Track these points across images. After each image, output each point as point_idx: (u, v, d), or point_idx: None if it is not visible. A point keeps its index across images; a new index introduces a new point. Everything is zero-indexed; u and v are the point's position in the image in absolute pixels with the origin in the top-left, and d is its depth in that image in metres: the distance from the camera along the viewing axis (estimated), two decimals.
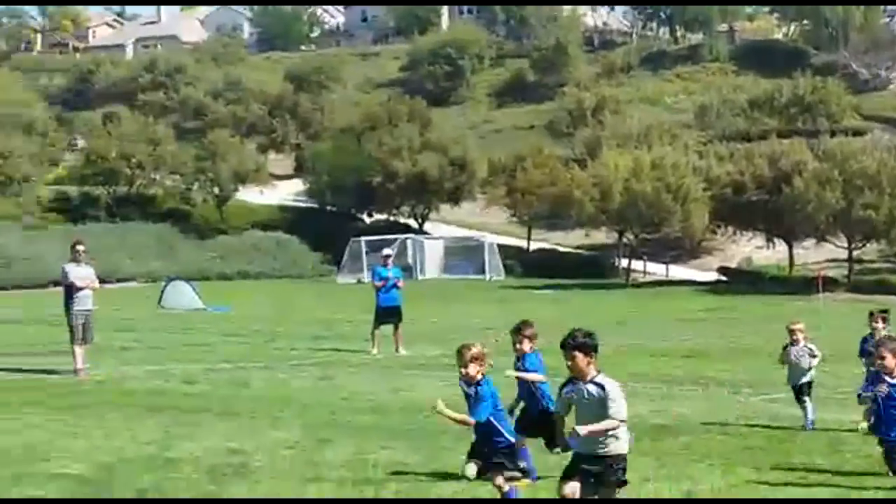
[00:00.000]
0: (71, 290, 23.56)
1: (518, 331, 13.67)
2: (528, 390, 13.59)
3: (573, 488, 9.92)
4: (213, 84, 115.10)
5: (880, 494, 12.52)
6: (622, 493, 10.09)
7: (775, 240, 75.80)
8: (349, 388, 21.76)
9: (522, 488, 11.76)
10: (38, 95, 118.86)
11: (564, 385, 10.28)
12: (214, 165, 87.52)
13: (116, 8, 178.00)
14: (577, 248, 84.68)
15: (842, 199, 67.67)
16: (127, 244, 76.09)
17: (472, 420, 11.31)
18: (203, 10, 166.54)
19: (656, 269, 78.87)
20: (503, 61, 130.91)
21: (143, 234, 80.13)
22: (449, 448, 14.46)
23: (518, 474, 11.70)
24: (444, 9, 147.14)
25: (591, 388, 9.99)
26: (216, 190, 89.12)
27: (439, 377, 22.25)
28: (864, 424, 13.34)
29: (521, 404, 13.70)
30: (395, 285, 28.78)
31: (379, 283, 28.82)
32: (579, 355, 10.02)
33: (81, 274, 23.65)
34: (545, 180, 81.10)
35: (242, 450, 14.60)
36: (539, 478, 12.57)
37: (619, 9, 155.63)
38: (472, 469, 11.44)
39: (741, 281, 69.82)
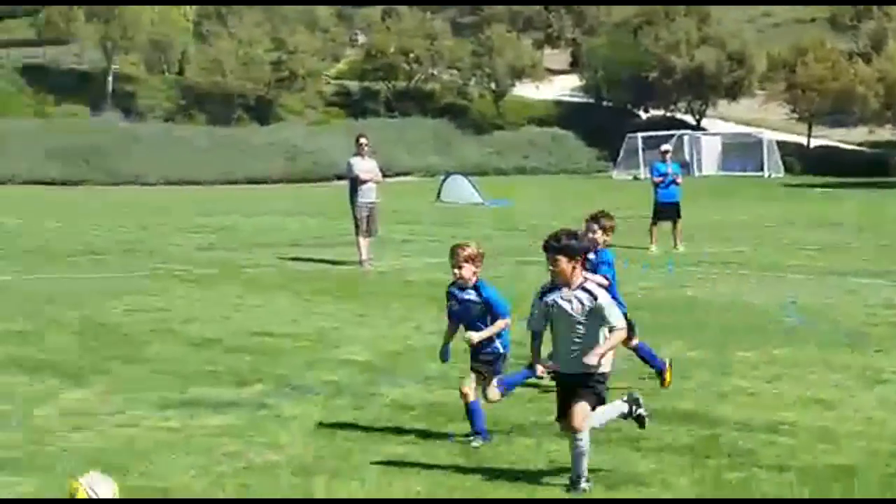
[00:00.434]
0: (355, 184, 24.17)
1: (594, 219, 12.81)
2: None
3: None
4: None
5: None
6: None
7: None
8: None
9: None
10: None
11: (543, 293, 9.22)
12: (491, 61, 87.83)
13: None
14: (860, 145, 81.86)
15: None
16: (405, 139, 77.38)
17: (504, 321, 10.32)
18: None
19: None
20: None
21: (421, 129, 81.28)
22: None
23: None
24: None
25: (581, 295, 9.00)
26: (493, 85, 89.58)
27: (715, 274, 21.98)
28: None
29: None
30: (673, 181, 28.45)
31: (658, 179, 28.56)
32: (563, 259, 9.03)
33: (365, 167, 24.21)
34: (827, 75, 78.40)
35: (522, 342, 14.78)
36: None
37: None
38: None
39: None
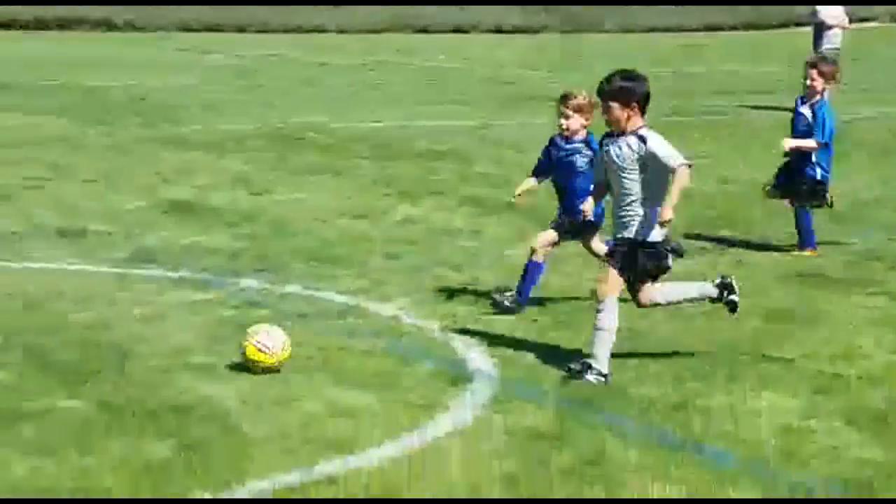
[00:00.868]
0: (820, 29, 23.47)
1: (813, 65, 11.78)
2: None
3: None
4: None
5: None
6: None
7: None
8: None
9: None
10: None
11: (602, 141, 8.50)
12: None
13: None
14: None
15: None
16: None
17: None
18: None
19: None
20: None
21: None
22: None
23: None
24: None
25: (631, 140, 8.12)
26: None
27: None
28: None
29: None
30: None
31: None
32: (615, 105, 8.15)
33: (832, 13, 23.45)
34: None
35: None
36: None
37: None
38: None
39: None
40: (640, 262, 8.23)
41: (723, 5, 58.60)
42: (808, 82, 11.84)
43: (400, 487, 6.35)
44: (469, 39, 45.95)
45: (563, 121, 9.84)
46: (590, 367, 8.08)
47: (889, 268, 11.60)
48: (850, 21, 25.18)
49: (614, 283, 8.25)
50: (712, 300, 8.74)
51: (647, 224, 8.17)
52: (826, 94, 12.01)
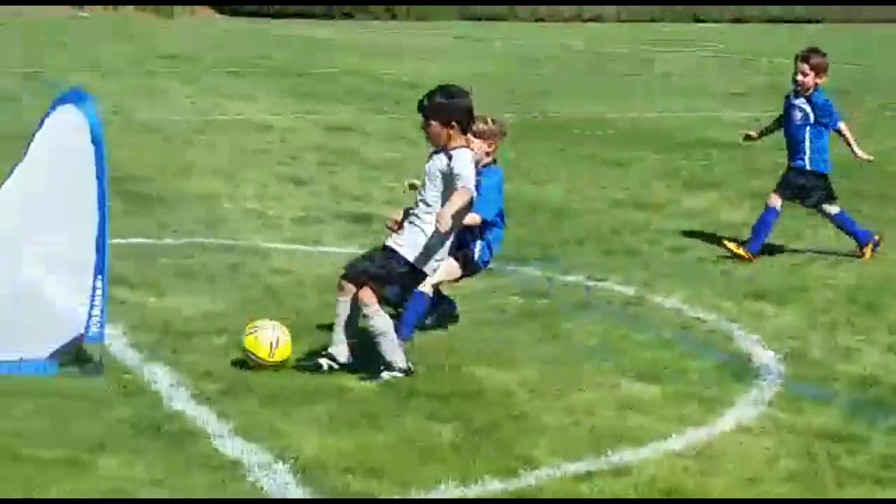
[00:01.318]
0: None
1: (804, 59, 11.11)
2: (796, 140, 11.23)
3: None
4: None
5: None
6: None
7: None
8: None
9: None
10: None
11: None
12: None
13: None
14: None
15: None
16: None
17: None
18: None
19: None
20: None
21: None
22: None
23: None
24: None
25: (442, 158, 7.73)
26: None
27: None
28: None
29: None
30: None
31: None
32: (434, 124, 7.73)
33: None
34: None
35: None
36: None
37: None
38: None
39: None
40: (380, 264, 7.81)
41: None
42: (800, 77, 11.15)
43: (686, 483, 6.27)
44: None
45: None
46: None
47: None
48: None
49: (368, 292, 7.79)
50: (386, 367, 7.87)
51: (421, 243, 7.77)
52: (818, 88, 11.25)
